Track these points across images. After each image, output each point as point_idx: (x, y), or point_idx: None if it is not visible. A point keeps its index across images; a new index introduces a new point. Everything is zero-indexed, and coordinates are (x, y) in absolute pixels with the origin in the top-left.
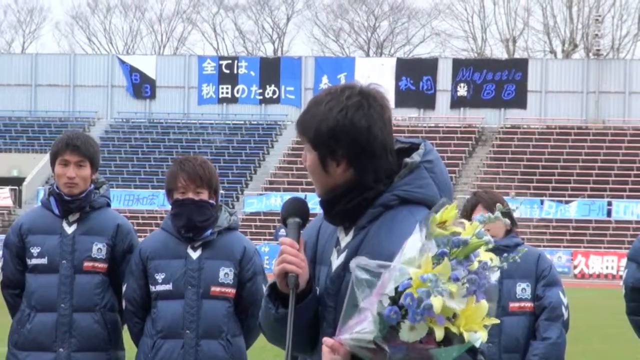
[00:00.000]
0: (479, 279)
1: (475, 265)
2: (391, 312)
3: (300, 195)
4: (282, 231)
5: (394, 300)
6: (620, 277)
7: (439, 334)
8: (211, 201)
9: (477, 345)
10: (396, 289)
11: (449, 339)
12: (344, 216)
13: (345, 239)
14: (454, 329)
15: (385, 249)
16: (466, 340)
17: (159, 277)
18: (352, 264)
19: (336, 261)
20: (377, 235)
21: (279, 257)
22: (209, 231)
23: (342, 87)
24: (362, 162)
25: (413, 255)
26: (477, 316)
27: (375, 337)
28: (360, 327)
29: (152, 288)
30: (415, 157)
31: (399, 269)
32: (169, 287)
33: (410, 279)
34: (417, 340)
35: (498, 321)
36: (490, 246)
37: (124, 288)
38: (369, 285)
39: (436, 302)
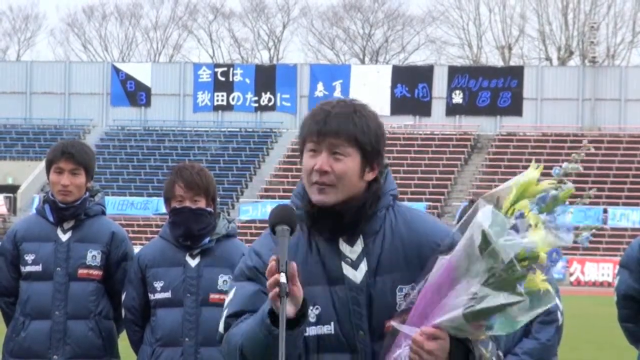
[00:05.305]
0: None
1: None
2: (552, 254)
3: None
4: None
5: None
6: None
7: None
8: (209, 209)
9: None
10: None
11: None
12: (352, 225)
13: (354, 250)
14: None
15: (423, 239)
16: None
17: (158, 285)
18: (490, 232)
19: (356, 272)
20: (404, 232)
21: (271, 279)
22: (207, 239)
23: (352, 100)
24: (382, 168)
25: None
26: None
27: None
28: (501, 294)
29: (151, 296)
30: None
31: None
32: (167, 295)
33: (534, 242)
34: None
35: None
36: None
37: (123, 297)
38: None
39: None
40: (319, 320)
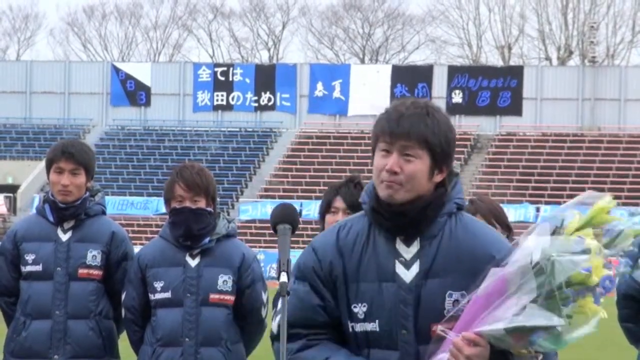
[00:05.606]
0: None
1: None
2: (606, 281)
3: (296, 202)
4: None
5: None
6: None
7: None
8: (209, 209)
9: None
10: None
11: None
12: (413, 225)
13: (410, 250)
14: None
15: (479, 249)
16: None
17: (158, 285)
18: (554, 255)
19: (407, 272)
20: (462, 240)
21: None
22: (207, 239)
23: (425, 101)
24: (451, 173)
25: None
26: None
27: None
28: (543, 313)
29: (151, 296)
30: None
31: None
32: (167, 295)
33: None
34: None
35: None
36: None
37: (123, 296)
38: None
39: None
40: (366, 317)
